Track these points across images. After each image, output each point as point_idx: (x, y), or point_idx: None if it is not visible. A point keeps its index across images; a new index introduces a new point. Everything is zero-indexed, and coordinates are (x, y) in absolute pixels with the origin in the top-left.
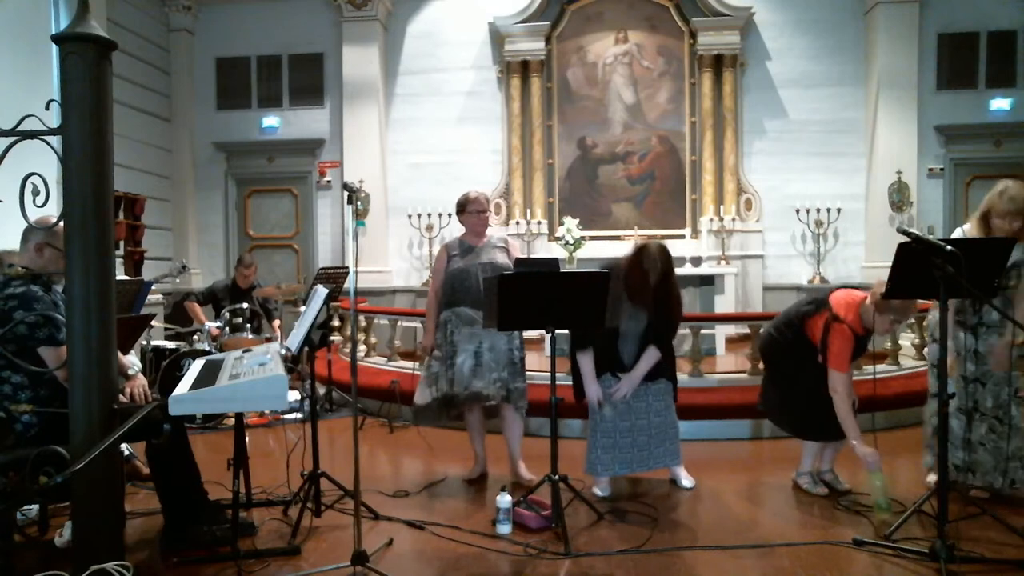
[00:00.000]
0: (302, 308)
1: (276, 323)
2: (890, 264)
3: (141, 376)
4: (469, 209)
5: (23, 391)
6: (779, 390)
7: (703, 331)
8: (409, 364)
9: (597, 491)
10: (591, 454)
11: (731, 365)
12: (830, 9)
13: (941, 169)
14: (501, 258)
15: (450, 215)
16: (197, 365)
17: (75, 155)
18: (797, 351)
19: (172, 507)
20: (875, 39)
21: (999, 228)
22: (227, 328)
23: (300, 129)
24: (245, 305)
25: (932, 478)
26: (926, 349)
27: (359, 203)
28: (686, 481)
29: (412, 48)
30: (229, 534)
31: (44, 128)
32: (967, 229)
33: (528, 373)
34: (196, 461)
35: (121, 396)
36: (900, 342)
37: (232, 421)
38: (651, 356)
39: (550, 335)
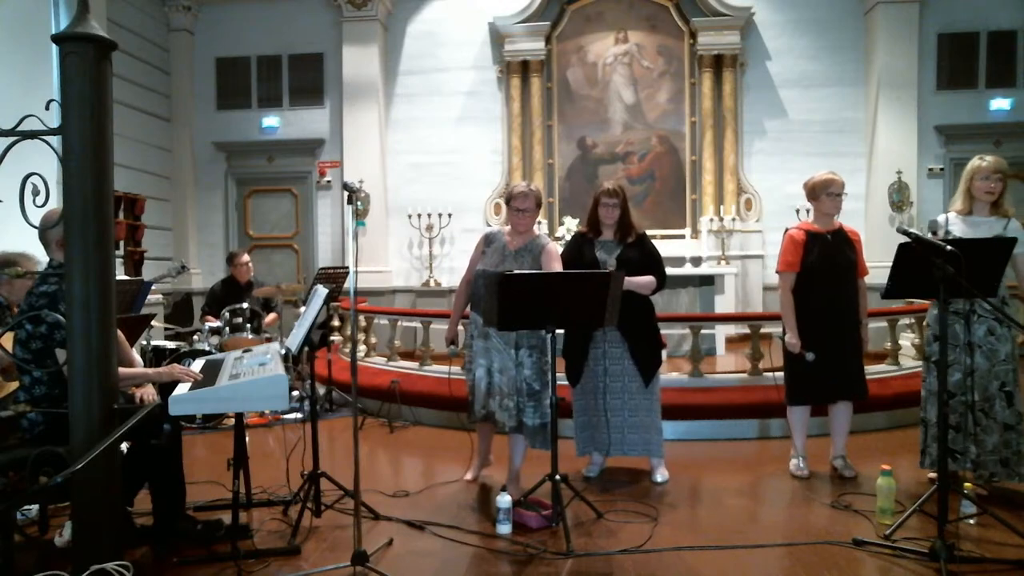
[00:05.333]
0: (302, 308)
1: (272, 316)
2: (890, 264)
3: (151, 386)
4: (512, 205)
5: (40, 386)
6: None
7: (703, 331)
8: (409, 364)
9: (585, 472)
10: (574, 433)
11: (731, 365)
12: (830, 9)
13: (941, 169)
14: (527, 268)
15: (450, 215)
16: (197, 365)
17: (75, 155)
18: None
19: (161, 502)
20: (875, 39)
21: (979, 189)
22: (227, 328)
23: (300, 129)
24: (246, 305)
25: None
26: (926, 348)
27: (359, 203)
28: (659, 476)
29: (412, 48)
30: (208, 530)
31: (44, 128)
32: (956, 205)
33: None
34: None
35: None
36: (900, 342)
37: (232, 421)
38: (647, 277)
39: (550, 335)
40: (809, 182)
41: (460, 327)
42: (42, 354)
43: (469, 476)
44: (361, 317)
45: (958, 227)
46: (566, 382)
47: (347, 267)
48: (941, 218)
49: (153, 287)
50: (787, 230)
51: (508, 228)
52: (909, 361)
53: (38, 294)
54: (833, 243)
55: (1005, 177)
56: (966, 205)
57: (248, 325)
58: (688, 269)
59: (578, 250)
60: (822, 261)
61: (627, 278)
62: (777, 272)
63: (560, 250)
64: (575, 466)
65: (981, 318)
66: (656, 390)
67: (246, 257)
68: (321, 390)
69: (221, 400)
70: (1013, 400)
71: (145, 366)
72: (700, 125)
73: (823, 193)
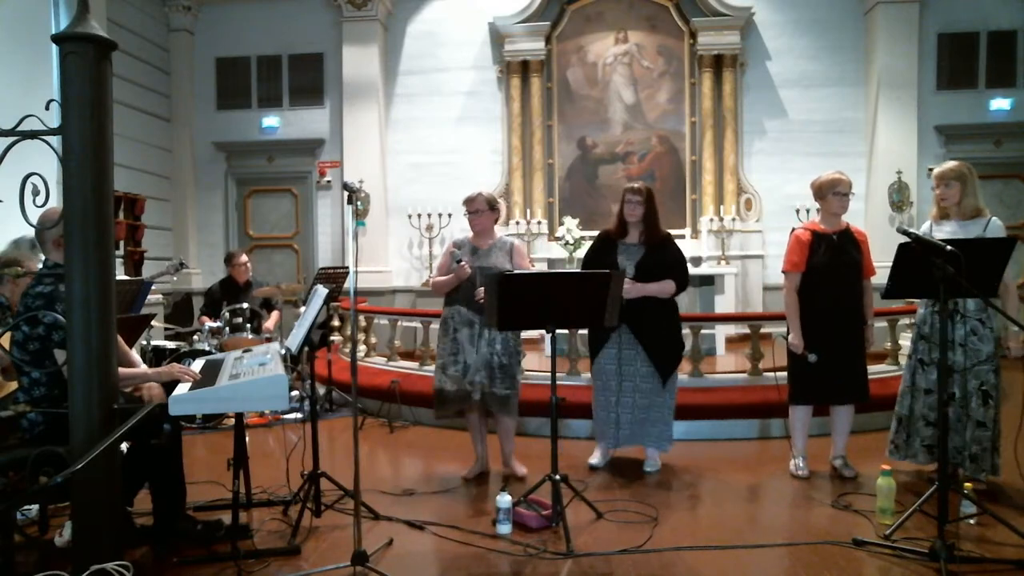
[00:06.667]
0: (302, 308)
1: (274, 314)
2: (890, 264)
3: (157, 386)
4: (466, 210)
5: (39, 387)
6: None
7: (703, 331)
8: (409, 364)
9: (590, 461)
10: (594, 423)
11: (731, 365)
12: (830, 9)
13: None
14: (502, 263)
15: (450, 215)
16: (197, 365)
17: (75, 155)
18: None
19: (162, 502)
20: (875, 39)
21: (937, 199)
22: (227, 328)
23: (300, 129)
24: (246, 305)
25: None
26: (908, 345)
27: (359, 203)
28: (648, 465)
29: (412, 48)
30: (208, 530)
31: (44, 128)
32: (931, 212)
33: (528, 373)
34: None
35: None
36: (900, 342)
37: (232, 421)
38: (666, 283)
39: (550, 335)
40: (816, 182)
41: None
42: (40, 355)
43: (466, 475)
44: (361, 317)
45: (938, 232)
46: (568, 382)
47: (347, 267)
48: (924, 227)
49: (153, 287)
50: (793, 230)
51: (472, 235)
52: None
53: (33, 295)
54: (839, 244)
55: (960, 180)
56: (938, 211)
57: (248, 325)
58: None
59: (600, 252)
60: (828, 261)
61: (643, 285)
62: (783, 272)
63: (524, 248)
64: (575, 465)
65: (964, 318)
66: (673, 389)
67: (244, 257)
68: (321, 390)
69: (221, 400)
70: (989, 400)
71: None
72: (700, 125)
73: (830, 192)
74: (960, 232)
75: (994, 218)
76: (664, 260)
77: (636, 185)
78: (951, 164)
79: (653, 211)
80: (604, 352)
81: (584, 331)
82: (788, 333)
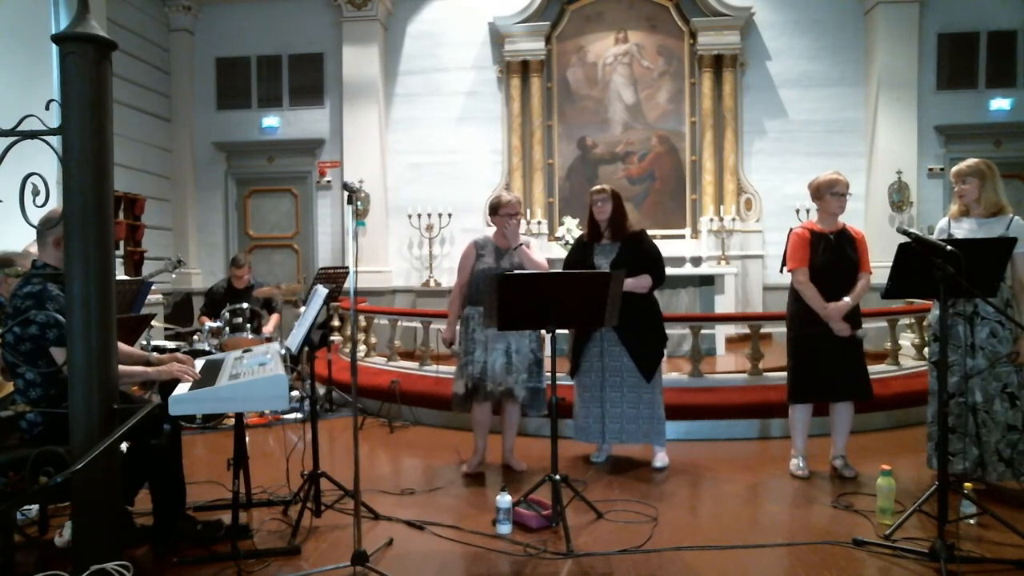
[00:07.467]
0: (302, 308)
1: (275, 317)
2: (890, 264)
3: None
4: (502, 212)
5: (35, 388)
6: None
7: (703, 331)
8: (409, 364)
9: (592, 457)
10: (574, 421)
11: (731, 365)
12: (830, 9)
13: (941, 169)
14: (527, 262)
15: (450, 215)
16: (197, 365)
17: (75, 155)
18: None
19: (162, 502)
20: (875, 39)
21: (958, 194)
22: (227, 328)
23: (300, 129)
24: (246, 305)
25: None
26: (926, 349)
27: (359, 203)
28: (658, 461)
29: (412, 48)
30: (208, 531)
31: (44, 128)
32: (951, 210)
33: None
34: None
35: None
36: (900, 342)
37: (232, 421)
38: (642, 278)
39: (550, 335)
40: (814, 182)
41: (457, 327)
42: (33, 355)
43: (466, 468)
44: (361, 317)
45: (957, 230)
46: (568, 382)
47: (347, 267)
48: (941, 223)
49: (153, 287)
50: (792, 230)
51: (493, 232)
52: (909, 361)
53: (22, 295)
54: (836, 243)
55: (977, 176)
56: (958, 208)
57: (248, 325)
58: (688, 269)
59: (579, 257)
60: (826, 261)
61: (632, 281)
62: (789, 271)
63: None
64: (575, 465)
65: (984, 320)
66: (658, 385)
67: (247, 269)
68: (321, 390)
69: (221, 400)
70: (1016, 401)
71: None
72: (700, 125)
73: (827, 193)
74: (979, 230)
75: (1017, 217)
76: (638, 256)
77: (600, 186)
78: (970, 160)
79: (620, 209)
80: (586, 353)
81: None
82: (795, 331)
